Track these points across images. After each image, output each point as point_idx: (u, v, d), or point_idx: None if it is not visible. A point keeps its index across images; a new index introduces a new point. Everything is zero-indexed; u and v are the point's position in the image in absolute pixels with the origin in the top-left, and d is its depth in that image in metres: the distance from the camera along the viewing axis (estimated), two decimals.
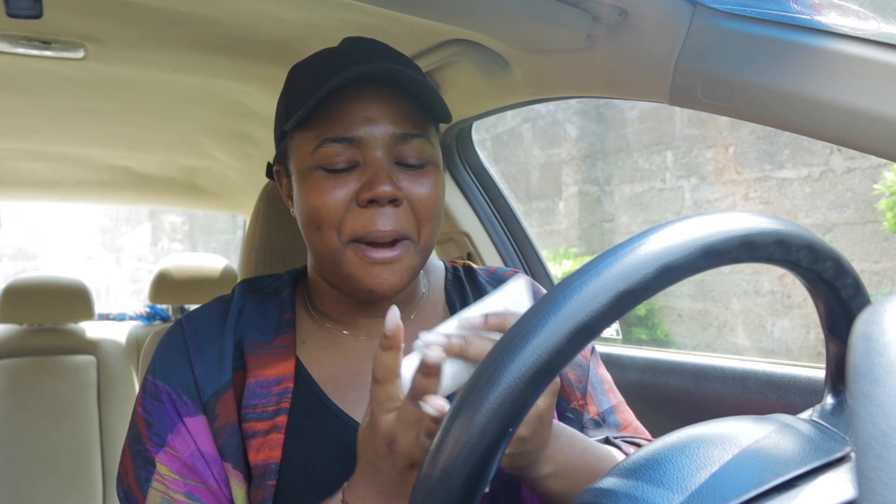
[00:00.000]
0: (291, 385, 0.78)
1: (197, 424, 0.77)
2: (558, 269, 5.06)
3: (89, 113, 1.59)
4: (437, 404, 0.57)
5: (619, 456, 0.77)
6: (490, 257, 1.61)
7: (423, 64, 1.19)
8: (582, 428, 0.85)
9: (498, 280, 0.93)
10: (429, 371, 0.57)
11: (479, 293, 0.90)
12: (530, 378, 0.41)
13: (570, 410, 0.85)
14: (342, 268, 0.77)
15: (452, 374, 0.61)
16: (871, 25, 0.72)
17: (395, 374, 0.60)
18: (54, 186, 2.40)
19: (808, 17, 0.77)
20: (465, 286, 0.91)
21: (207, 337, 0.82)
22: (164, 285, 2.50)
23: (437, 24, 1.03)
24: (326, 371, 0.81)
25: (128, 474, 0.79)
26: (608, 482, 0.45)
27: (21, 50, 1.15)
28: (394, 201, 0.75)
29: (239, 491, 0.75)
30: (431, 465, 0.43)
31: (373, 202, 0.74)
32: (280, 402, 0.77)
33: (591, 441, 0.75)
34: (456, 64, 1.20)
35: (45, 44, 1.14)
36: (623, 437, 0.85)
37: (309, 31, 1.11)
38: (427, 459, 0.44)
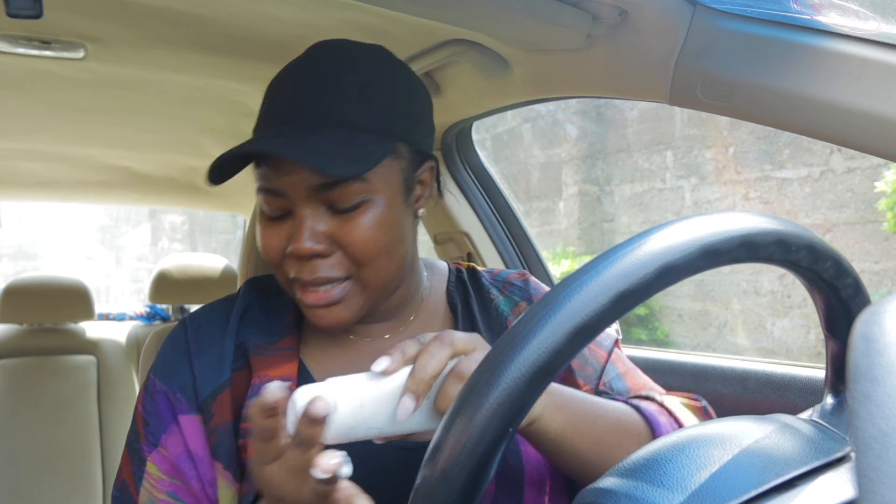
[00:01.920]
0: (294, 386, 0.78)
1: (190, 423, 0.78)
2: (558, 270, 5.06)
3: (89, 113, 1.59)
4: (326, 466, 0.56)
5: (627, 409, 0.76)
6: (490, 257, 1.61)
7: (423, 64, 1.19)
8: None
9: (502, 282, 0.91)
10: (313, 420, 0.57)
11: (483, 295, 0.89)
12: (530, 378, 0.41)
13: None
14: (292, 298, 0.78)
15: (350, 423, 0.60)
16: (871, 25, 0.72)
17: (275, 434, 0.59)
18: (54, 186, 2.39)
19: (808, 17, 0.77)
20: (468, 287, 0.90)
21: (209, 336, 0.82)
22: (164, 285, 2.50)
23: (437, 24, 1.03)
24: (328, 373, 0.81)
25: (124, 471, 0.80)
26: (608, 482, 0.45)
27: (21, 50, 1.15)
28: (319, 255, 0.73)
29: (227, 491, 0.75)
30: (431, 465, 0.43)
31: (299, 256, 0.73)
32: None
33: (595, 398, 0.75)
34: (456, 64, 1.20)
35: (45, 44, 1.14)
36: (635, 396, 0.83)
37: (308, 31, 1.11)
38: (427, 459, 0.44)
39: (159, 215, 11.49)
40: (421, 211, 0.82)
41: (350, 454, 0.76)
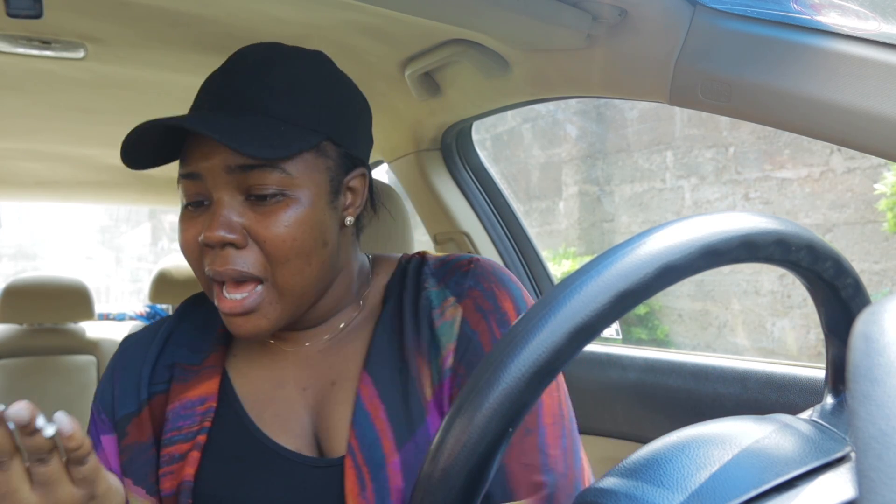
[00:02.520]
0: (214, 404, 0.79)
1: (109, 442, 0.81)
2: (557, 270, 5.06)
3: (89, 113, 1.59)
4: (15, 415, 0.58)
5: None
6: (490, 257, 1.61)
7: (423, 64, 1.19)
8: None
9: (447, 270, 0.82)
10: (23, 427, 0.59)
11: (418, 288, 0.82)
12: (530, 378, 0.41)
13: None
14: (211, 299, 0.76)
15: None
16: (871, 25, 0.72)
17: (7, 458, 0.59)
18: (54, 186, 2.40)
19: (808, 17, 0.77)
20: (406, 281, 0.83)
21: (132, 360, 0.84)
22: (164, 285, 2.50)
23: (437, 24, 1.03)
24: (251, 385, 0.81)
25: None
26: (608, 482, 0.45)
27: (21, 50, 1.15)
28: (233, 244, 0.70)
29: None
30: (431, 465, 0.43)
31: (211, 245, 0.70)
32: (203, 421, 0.78)
33: None
34: (456, 64, 1.20)
35: (45, 44, 1.14)
36: None
37: (309, 31, 1.11)
38: (427, 459, 0.44)
39: (159, 215, 11.48)
40: (349, 220, 0.78)
41: (271, 473, 0.76)
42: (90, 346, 2.43)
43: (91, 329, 2.49)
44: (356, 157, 0.79)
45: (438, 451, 0.42)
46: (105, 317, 2.95)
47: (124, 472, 0.79)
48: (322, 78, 0.77)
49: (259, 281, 0.72)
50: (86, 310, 2.41)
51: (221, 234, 0.69)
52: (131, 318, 2.91)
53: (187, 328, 0.85)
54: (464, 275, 0.81)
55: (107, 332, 2.53)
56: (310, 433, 0.78)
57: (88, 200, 2.77)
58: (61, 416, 0.59)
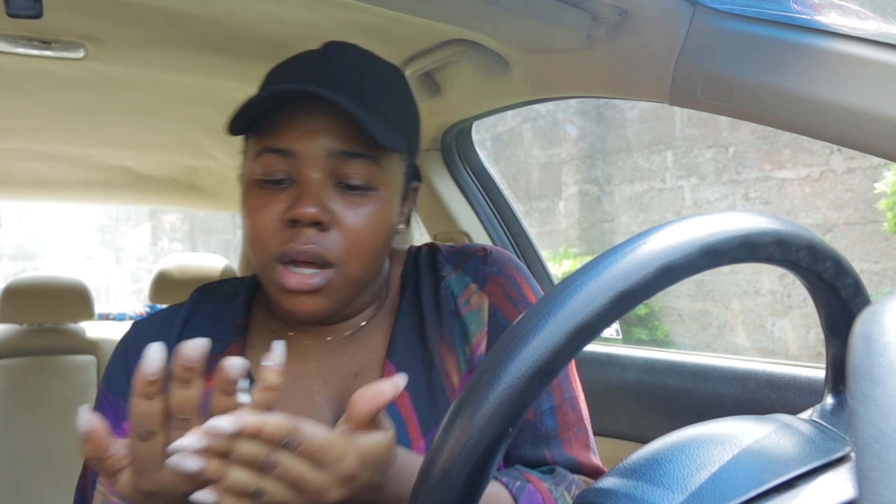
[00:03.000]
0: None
1: None
2: (558, 269, 5.06)
3: (89, 113, 1.59)
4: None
5: (497, 492, 0.70)
6: None
7: (423, 64, 1.19)
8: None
9: (460, 256, 0.85)
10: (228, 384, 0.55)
11: (436, 277, 0.84)
12: (530, 378, 0.41)
13: None
14: (268, 286, 0.75)
15: None
16: (871, 25, 0.72)
17: (158, 424, 0.55)
18: (54, 186, 2.40)
19: (808, 17, 0.77)
20: (422, 270, 0.85)
21: (148, 341, 0.82)
22: (164, 285, 2.50)
23: (437, 24, 1.03)
24: None
25: (84, 477, 0.81)
26: (608, 482, 0.45)
27: (21, 50, 1.15)
28: (318, 224, 0.70)
29: None
30: (431, 465, 0.43)
31: (296, 222, 0.70)
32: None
33: None
34: (456, 64, 1.20)
35: (45, 44, 1.14)
36: (519, 469, 0.77)
37: (309, 31, 1.11)
38: (427, 459, 0.44)
39: (159, 215, 11.49)
40: (401, 227, 0.80)
41: None
42: (90, 347, 2.43)
43: (91, 329, 2.49)
44: (418, 168, 0.82)
45: (438, 450, 0.42)
46: (105, 317, 2.95)
47: None
48: (405, 87, 0.80)
49: (329, 266, 0.72)
50: (86, 310, 2.41)
51: (315, 210, 0.69)
52: (131, 319, 2.91)
53: (201, 317, 0.84)
54: (481, 260, 0.84)
55: (107, 332, 2.53)
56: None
57: (88, 200, 2.77)
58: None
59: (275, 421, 0.54)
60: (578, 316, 0.41)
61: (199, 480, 0.54)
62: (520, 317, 0.43)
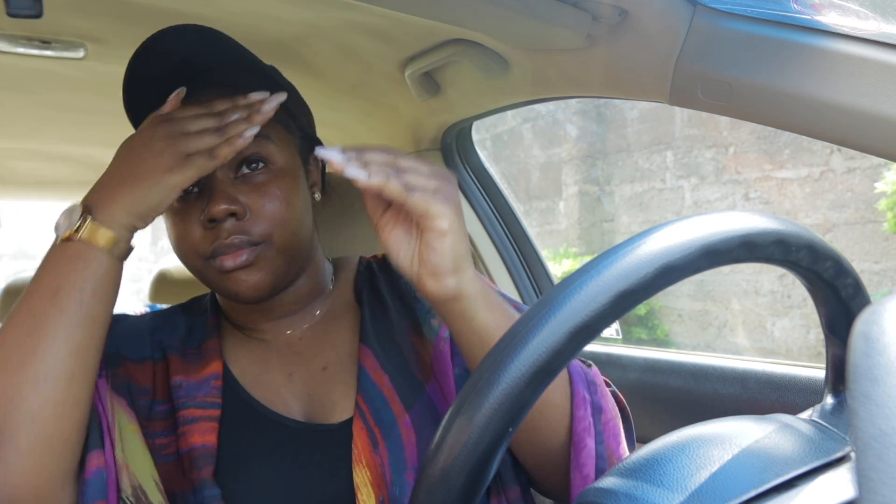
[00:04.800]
0: (221, 383, 0.81)
1: (102, 385, 0.78)
2: (558, 269, 5.06)
3: (89, 113, 1.59)
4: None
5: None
6: (490, 257, 1.61)
7: (423, 64, 1.19)
8: None
9: None
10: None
11: (392, 276, 0.91)
12: (530, 378, 0.41)
13: None
14: (209, 284, 0.79)
15: None
16: (871, 25, 0.72)
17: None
18: (54, 186, 2.39)
19: (808, 17, 0.77)
20: (377, 275, 0.92)
21: (127, 323, 0.87)
22: (164, 285, 2.50)
23: (437, 24, 1.03)
24: (242, 370, 0.85)
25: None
26: (608, 482, 0.45)
27: (21, 50, 1.15)
28: (234, 215, 0.75)
29: (128, 424, 0.76)
30: (431, 465, 0.43)
31: (214, 221, 0.75)
32: (218, 395, 0.80)
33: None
34: (456, 64, 1.20)
35: (45, 44, 1.14)
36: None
37: (308, 30, 1.11)
38: (427, 459, 0.44)
39: None
40: (317, 195, 0.86)
41: (262, 433, 0.78)
42: None
43: None
44: (311, 136, 0.87)
45: (438, 451, 0.42)
46: None
47: (115, 390, 0.78)
48: (255, 58, 0.84)
49: (257, 244, 0.76)
50: None
51: (226, 206, 0.74)
52: None
53: (177, 322, 0.88)
54: None
55: None
56: (299, 417, 0.81)
57: None
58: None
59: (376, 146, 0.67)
60: (578, 316, 0.41)
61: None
62: (520, 317, 0.43)
